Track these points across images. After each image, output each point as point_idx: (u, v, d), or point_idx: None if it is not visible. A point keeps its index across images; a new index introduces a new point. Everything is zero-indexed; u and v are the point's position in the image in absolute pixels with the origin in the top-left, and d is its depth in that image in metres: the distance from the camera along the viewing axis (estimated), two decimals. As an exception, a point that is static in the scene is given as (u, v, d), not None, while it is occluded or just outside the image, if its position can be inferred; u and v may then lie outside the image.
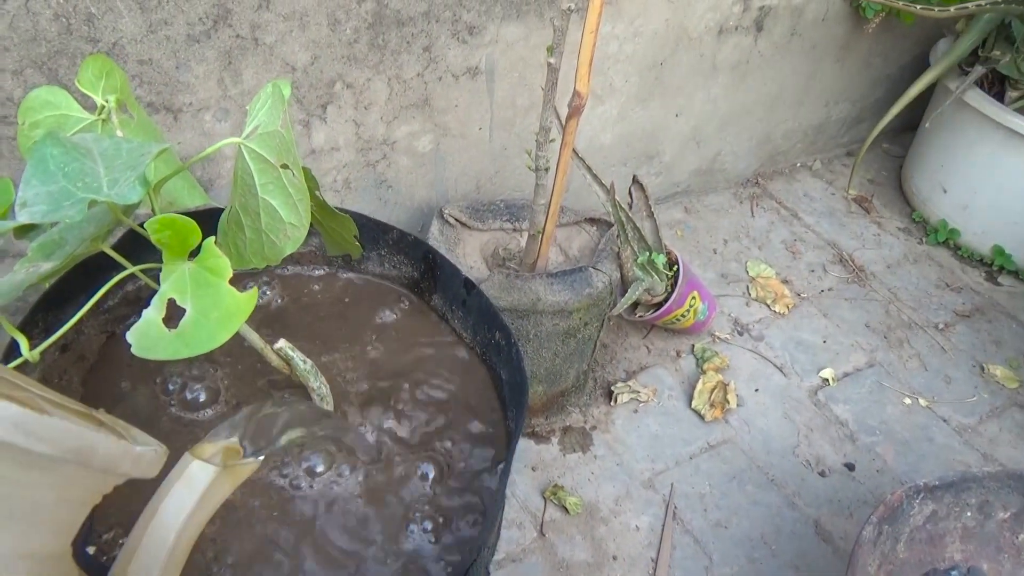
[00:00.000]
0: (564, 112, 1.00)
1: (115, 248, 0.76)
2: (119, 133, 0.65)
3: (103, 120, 0.69)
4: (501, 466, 0.76)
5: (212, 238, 0.55)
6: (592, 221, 1.31)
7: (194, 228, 0.54)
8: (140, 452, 0.42)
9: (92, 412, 0.44)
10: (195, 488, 0.45)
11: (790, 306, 1.61)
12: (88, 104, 0.70)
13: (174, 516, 0.43)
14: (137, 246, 0.71)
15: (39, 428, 0.38)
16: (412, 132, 1.28)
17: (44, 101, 0.68)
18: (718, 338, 1.53)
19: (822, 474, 1.31)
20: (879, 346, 1.56)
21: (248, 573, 0.62)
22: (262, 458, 0.51)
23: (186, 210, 0.71)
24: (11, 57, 0.91)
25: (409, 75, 1.20)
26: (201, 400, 0.76)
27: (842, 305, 1.64)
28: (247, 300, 0.55)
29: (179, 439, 0.72)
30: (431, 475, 0.75)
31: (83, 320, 0.79)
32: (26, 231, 0.50)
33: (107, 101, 0.67)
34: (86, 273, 0.73)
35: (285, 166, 0.57)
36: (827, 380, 1.47)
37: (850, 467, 1.33)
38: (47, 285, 0.75)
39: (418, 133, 1.29)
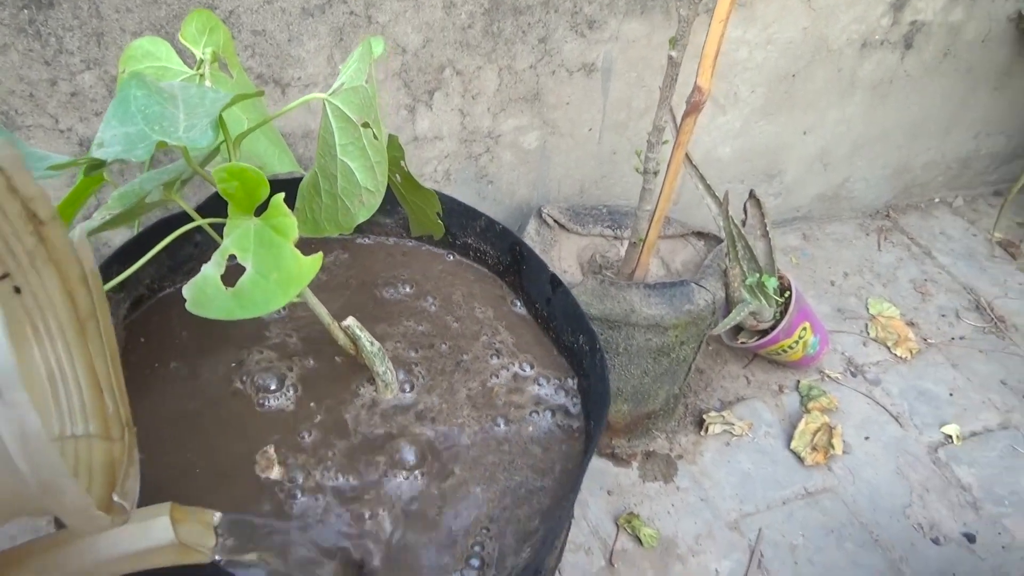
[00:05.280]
0: (681, 112, 0.93)
1: (199, 208, 0.74)
2: (208, 84, 0.62)
3: (200, 75, 0.67)
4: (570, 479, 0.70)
5: (281, 194, 0.52)
6: (700, 235, 1.22)
7: (262, 180, 0.51)
8: (93, 515, 0.36)
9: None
10: (145, 539, 0.41)
11: (914, 351, 1.46)
12: (191, 60, 0.69)
13: (109, 547, 0.40)
14: (221, 208, 0.69)
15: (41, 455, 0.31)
16: (519, 127, 1.23)
17: (145, 51, 0.67)
18: (828, 376, 1.39)
19: (935, 541, 1.16)
20: (1016, 407, 1.38)
21: None
22: (216, 558, 0.46)
23: (274, 176, 0.68)
24: (132, 18, 0.92)
25: (521, 66, 1.16)
26: (266, 368, 0.73)
27: (975, 356, 1.47)
28: (310, 264, 0.51)
29: (235, 406, 0.70)
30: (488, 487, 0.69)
31: (162, 277, 0.79)
32: (94, 168, 0.49)
33: (204, 54, 0.65)
34: (169, 229, 0.72)
35: (366, 125, 0.53)
36: (950, 437, 1.31)
37: (970, 538, 1.17)
38: (136, 232, 0.75)
39: (525, 128, 1.24)
